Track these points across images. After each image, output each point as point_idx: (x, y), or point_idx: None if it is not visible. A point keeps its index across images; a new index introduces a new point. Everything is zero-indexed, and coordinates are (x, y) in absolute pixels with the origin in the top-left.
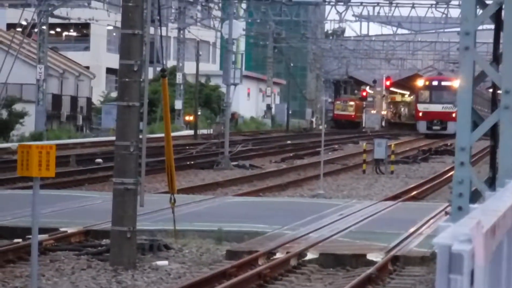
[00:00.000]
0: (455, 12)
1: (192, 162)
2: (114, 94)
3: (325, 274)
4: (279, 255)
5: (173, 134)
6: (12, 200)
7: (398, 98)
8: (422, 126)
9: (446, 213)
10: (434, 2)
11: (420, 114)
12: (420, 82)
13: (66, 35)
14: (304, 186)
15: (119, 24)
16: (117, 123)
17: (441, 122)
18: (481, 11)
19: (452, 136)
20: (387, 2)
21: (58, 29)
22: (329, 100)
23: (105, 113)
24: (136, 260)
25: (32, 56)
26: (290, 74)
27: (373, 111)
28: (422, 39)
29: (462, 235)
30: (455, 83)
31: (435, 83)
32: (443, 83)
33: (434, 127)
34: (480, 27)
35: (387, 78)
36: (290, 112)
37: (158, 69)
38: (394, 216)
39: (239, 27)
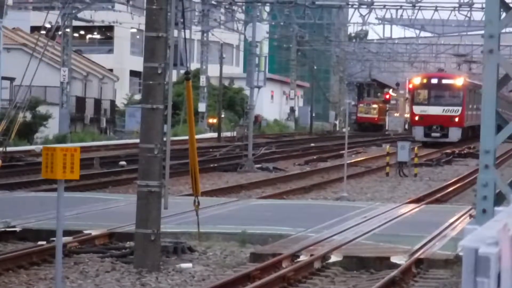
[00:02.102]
0: (478, 15)
1: (215, 165)
2: (137, 97)
3: (348, 277)
4: (303, 258)
5: (197, 136)
6: (36, 202)
7: None
8: (418, 133)
9: (471, 216)
10: (457, 5)
11: (416, 118)
12: (416, 80)
13: (90, 38)
14: (328, 188)
15: (142, 27)
16: (141, 126)
17: (442, 128)
18: (505, 14)
19: (454, 144)
20: (410, 5)
21: (82, 32)
22: (353, 103)
23: (129, 115)
24: (160, 263)
25: (56, 59)
26: (314, 77)
27: (396, 114)
28: (445, 42)
29: (489, 238)
30: (459, 81)
31: (434, 81)
32: (444, 81)
33: (433, 134)
34: (504, 30)
35: (410, 81)
36: (313, 115)
37: (182, 71)
38: (418, 218)
39: (262, 30)
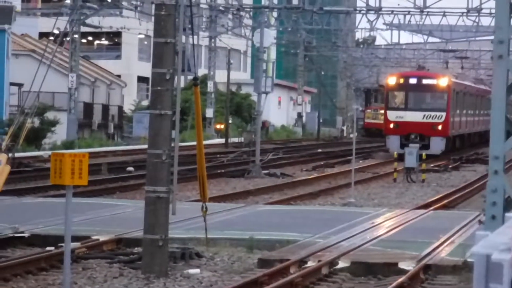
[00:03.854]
0: (486, 21)
1: (223, 171)
2: (145, 103)
3: (356, 283)
4: (311, 264)
5: (204, 142)
6: (44, 208)
7: None
8: (393, 143)
9: (480, 222)
10: (465, 10)
11: (391, 125)
12: (391, 80)
13: (97, 44)
14: (335, 194)
15: (150, 33)
16: (149, 132)
17: (421, 138)
18: None
19: (436, 157)
20: (418, 10)
21: (90, 38)
22: (360, 108)
23: (137, 121)
24: (168, 268)
25: (64, 64)
26: (321, 82)
27: None
28: (453, 47)
29: (501, 244)
30: (442, 82)
31: (413, 80)
32: (424, 81)
33: (411, 145)
34: None
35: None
36: (321, 121)
37: (190, 77)
38: (426, 224)
39: (270, 35)
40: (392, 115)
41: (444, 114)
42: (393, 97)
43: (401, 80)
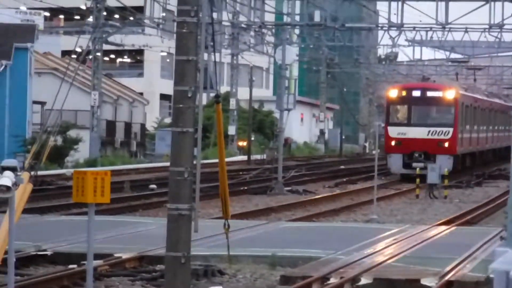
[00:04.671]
0: (508, 36)
1: (245, 188)
2: (167, 120)
3: None
4: (333, 280)
5: (226, 159)
6: (66, 226)
7: None
8: (395, 163)
9: (501, 238)
10: (487, 26)
11: (393, 143)
12: (392, 93)
13: (120, 62)
14: (358, 211)
15: (172, 50)
16: (172, 149)
17: (426, 156)
18: None
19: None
20: (440, 26)
21: (112, 56)
22: (382, 125)
23: (159, 139)
24: (190, 286)
25: (86, 82)
26: (343, 99)
27: None
28: (475, 64)
29: None
30: (449, 94)
31: (416, 93)
32: (429, 94)
33: (415, 164)
34: None
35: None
36: (343, 137)
37: (212, 95)
38: (448, 241)
39: (292, 52)
40: (394, 131)
41: (451, 130)
42: (394, 112)
43: (404, 93)
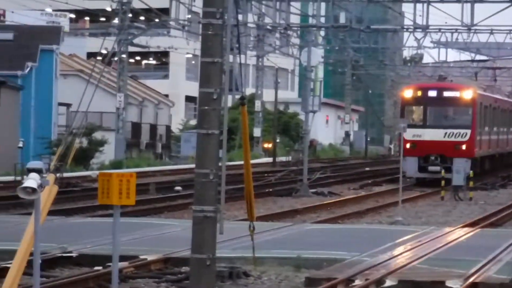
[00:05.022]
0: None
1: (270, 190)
2: (193, 122)
3: None
4: (358, 282)
5: (252, 161)
6: (92, 228)
7: None
8: (410, 166)
9: None
10: None
11: (408, 145)
12: (407, 93)
13: (145, 64)
14: (383, 213)
15: (198, 52)
16: (197, 151)
17: (443, 159)
18: None
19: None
20: (466, 28)
21: (138, 58)
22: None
23: (184, 141)
24: None
25: (112, 84)
26: (369, 101)
27: None
28: (501, 65)
29: None
30: (467, 94)
31: (432, 93)
32: (446, 94)
33: (431, 168)
34: None
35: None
36: (368, 139)
37: (237, 96)
38: (473, 242)
39: (317, 54)
40: (409, 133)
41: (468, 131)
42: (409, 113)
43: (419, 93)
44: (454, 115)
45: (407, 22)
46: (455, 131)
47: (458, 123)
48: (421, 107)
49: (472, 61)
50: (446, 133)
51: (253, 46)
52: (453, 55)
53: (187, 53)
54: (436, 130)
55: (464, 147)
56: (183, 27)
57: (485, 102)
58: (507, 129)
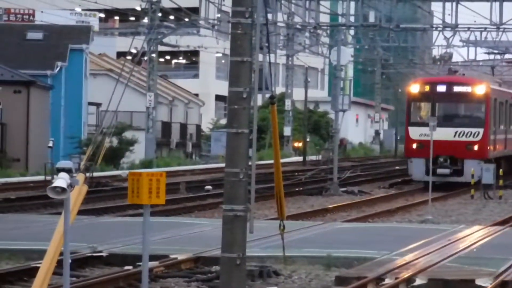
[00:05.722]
0: None
1: (301, 188)
2: (223, 121)
3: None
4: (388, 281)
5: (282, 160)
6: (122, 227)
7: None
8: (417, 169)
9: None
10: None
11: (414, 145)
12: (414, 88)
13: (175, 63)
14: (413, 211)
15: (227, 51)
16: (227, 150)
17: (453, 161)
18: None
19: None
20: (494, 27)
21: (168, 57)
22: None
23: (214, 140)
24: (246, 287)
25: (142, 84)
26: (398, 99)
27: None
28: None
29: None
30: (479, 89)
31: (441, 88)
32: (456, 89)
33: (440, 171)
34: None
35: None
36: (398, 138)
37: (267, 96)
38: (503, 241)
39: (347, 53)
40: (415, 132)
41: (481, 130)
42: (416, 110)
43: (427, 88)
44: (465, 112)
45: (436, 21)
46: (467, 130)
47: (470, 121)
48: (429, 103)
49: (504, 60)
50: (456, 132)
51: (283, 45)
52: (482, 54)
53: (217, 52)
54: (445, 129)
55: (476, 147)
56: (213, 26)
57: (500, 98)
58: None
